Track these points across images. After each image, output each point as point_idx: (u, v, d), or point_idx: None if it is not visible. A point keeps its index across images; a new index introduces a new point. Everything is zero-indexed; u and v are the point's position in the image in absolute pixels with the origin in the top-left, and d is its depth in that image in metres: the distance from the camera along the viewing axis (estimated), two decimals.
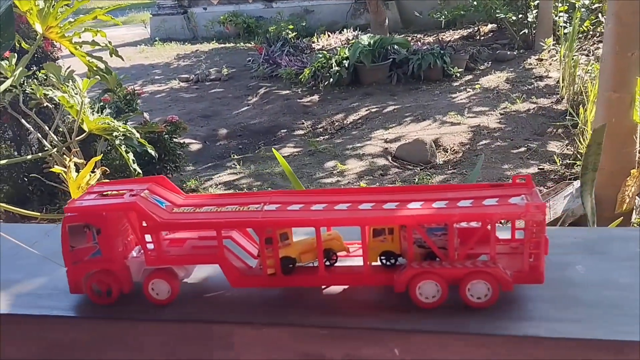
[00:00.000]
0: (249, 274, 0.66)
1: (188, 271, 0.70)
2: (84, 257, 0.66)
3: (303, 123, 5.87)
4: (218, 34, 10.78)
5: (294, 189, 1.27)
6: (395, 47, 6.77)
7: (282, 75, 7.13)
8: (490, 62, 6.89)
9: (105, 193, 0.69)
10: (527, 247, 0.61)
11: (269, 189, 4.11)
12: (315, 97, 6.47)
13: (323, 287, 0.67)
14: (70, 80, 3.92)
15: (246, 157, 4.94)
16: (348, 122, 5.69)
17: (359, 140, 4.99)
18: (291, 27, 9.29)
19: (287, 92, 6.75)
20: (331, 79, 6.54)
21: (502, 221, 0.65)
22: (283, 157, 5.07)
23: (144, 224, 0.65)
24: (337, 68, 6.54)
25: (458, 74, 6.42)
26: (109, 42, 3.85)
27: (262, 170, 4.50)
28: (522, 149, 4.41)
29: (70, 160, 2.90)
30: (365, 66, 6.54)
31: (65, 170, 2.91)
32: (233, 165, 4.71)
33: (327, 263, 0.66)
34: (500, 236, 0.65)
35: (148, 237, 0.66)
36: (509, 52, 7.05)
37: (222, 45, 10.09)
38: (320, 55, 6.85)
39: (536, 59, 6.72)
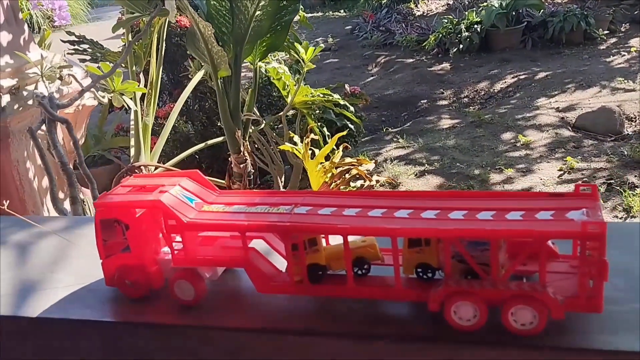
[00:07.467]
0: (276, 280, 0.62)
1: (216, 271, 0.66)
2: (116, 251, 0.65)
3: (442, 92, 5.48)
4: (301, 3, 10.39)
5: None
6: (527, 9, 6.30)
7: (400, 42, 6.73)
8: (628, 23, 6.37)
9: (139, 187, 0.67)
10: (583, 271, 0.53)
11: (457, 164, 3.77)
12: (446, 65, 6.06)
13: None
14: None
15: (403, 130, 4.59)
16: (496, 91, 5.28)
17: (525, 110, 4.58)
18: None
19: (412, 60, 6.35)
20: (460, 45, 6.12)
21: None
22: (443, 129, 4.69)
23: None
24: (467, 34, 6.11)
25: (603, 37, 5.93)
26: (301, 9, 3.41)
27: (433, 143, 4.16)
28: None
29: (307, 137, 2.54)
30: (498, 30, 6.09)
31: (297, 148, 2.55)
32: (395, 139, 4.37)
33: (359, 272, 0.61)
34: (561, 252, 0.59)
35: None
36: None
37: (310, 14, 9.70)
38: (446, 21, 6.42)
39: None
